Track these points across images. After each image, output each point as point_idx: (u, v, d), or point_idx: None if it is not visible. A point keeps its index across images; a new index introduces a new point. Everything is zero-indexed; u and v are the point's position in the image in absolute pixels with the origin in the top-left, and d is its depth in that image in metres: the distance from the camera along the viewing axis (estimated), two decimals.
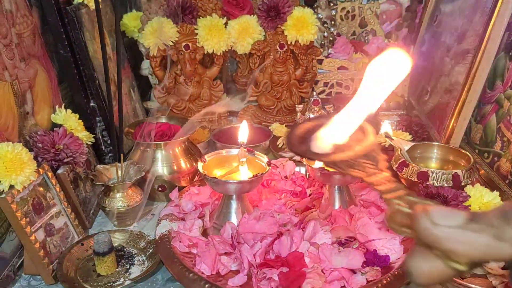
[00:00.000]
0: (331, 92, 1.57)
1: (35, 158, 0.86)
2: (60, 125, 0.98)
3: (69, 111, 1.02)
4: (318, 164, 0.95)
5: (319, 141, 0.46)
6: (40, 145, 0.89)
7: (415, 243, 0.37)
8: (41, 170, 0.85)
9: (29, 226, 0.78)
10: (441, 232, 0.34)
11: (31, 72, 0.94)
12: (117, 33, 0.84)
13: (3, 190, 0.76)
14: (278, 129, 1.31)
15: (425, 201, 0.39)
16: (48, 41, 1.03)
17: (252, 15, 1.37)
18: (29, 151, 0.83)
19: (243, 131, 0.98)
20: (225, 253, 0.82)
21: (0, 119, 0.82)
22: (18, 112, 0.88)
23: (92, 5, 1.09)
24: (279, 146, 1.28)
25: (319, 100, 1.26)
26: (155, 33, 1.28)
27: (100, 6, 1.11)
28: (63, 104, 1.03)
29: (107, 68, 0.86)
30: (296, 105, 1.28)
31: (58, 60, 1.05)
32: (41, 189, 0.85)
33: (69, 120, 0.99)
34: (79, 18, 1.03)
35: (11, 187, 0.77)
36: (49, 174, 0.87)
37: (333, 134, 0.46)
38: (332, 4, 1.66)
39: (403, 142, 1.12)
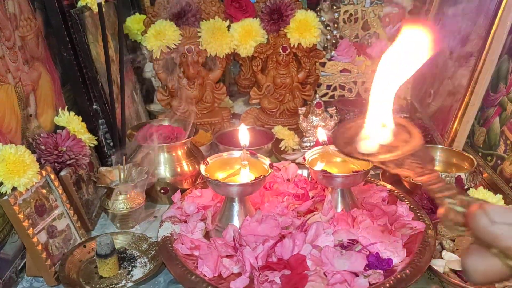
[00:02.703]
0: (334, 94, 1.57)
1: (38, 160, 0.86)
2: (63, 128, 0.98)
3: (72, 113, 1.02)
4: (320, 166, 0.95)
5: (365, 141, 0.47)
6: (43, 147, 0.89)
7: (472, 241, 0.36)
8: (43, 172, 0.85)
9: (31, 228, 0.78)
10: (499, 230, 0.33)
11: (35, 74, 0.95)
12: (120, 36, 0.85)
13: (6, 192, 0.76)
14: (281, 131, 1.31)
15: (479, 199, 0.38)
16: (51, 44, 1.04)
17: (255, 18, 1.37)
18: (32, 153, 0.83)
19: (244, 134, 0.98)
20: (227, 256, 0.81)
21: (4, 122, 0.83)
22: (21, 115, 0.88)
23: (95, 8, 1.10)
24: (282, 148, 1.28)
25: (322, 102, 1.26)
26: (158, 36, 1.28)
27: (104, 10, 1.12)
28: (66, 107, 1.03)
29: (110, 70, 0.86)
30: (299, 108, 1.28)
31: (61, 62, 1.06)
32: (44, 191, 0.85)
33: (72, 122, 1.00)
34: (82, 21, 1.03)
35: (14, 189, 0.77)
36: (52, 176, 0.87)
37: (377, 134, 0.47)
38: (335, 7, 1.66)
39: None
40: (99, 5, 0.82)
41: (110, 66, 0.86)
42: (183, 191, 1.01)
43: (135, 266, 0.85)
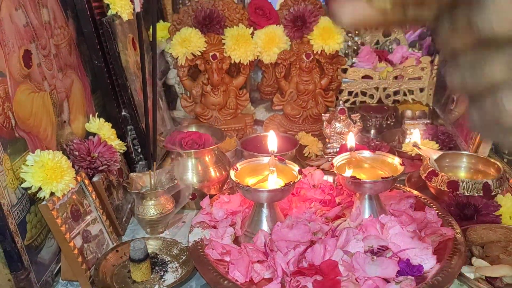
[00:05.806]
0: (355, 101, 1.57)
1: (72, 166, 0.88)
2: (93, 134, 1.00)
3: (102, 119, 1.04)
4: (348, 172, 0.96)
5: None
6: (76, 153, 0.91)
7: None
8: (78, 178, 0.87)
9: (68, 233, 0.80)
10: None
11: (68, 82, 0.97)
12: (154, 43, 0.86)
13: (44, 197, 0.78)
14: (305, 138, 1.31)
15: None
16: (82, 51, 1.06)
17: (278, 25, 1.38)
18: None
19: (272, 140, 0.99)
20: (258, 261, 0.82)
21: (40, 128, 0.85)
22: (56, 121, 0.90)
23: (125, 17, 1.12)
24: (306, 155, 1.29)
25: (345, 109, 1.26)
26: (183, 43, 1.30)
27: (132, 17, 1.14)
28: (96, 113, 1.05)
29: (145, 77, 0.87)
30: (322, 114, 1.29)
31: (92, 70, 1.08)
32: (78, 196, 0.87)
33: (102, 128, 1.02)
34: (113, 29, 1.05)
35: (52, 194, 0.79)
36: (86, 181, 0.89)
37: None
38: None
39: (432, 151, 1.12)
40: (138, 14, 0.84)
41: (146, 75, 0.88)
42: (210, 196, 1.02)
43: (166, 271, 0.87)
